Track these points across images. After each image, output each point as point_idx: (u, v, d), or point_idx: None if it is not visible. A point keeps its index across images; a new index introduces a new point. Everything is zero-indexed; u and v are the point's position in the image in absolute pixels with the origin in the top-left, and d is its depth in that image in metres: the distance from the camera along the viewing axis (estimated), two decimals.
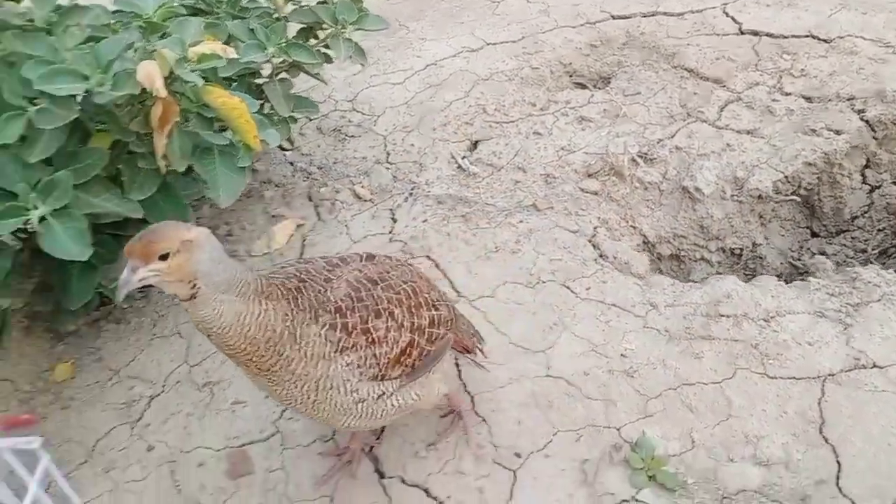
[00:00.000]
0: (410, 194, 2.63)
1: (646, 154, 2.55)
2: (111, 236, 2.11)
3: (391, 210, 2.58)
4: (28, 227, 1.83)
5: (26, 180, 1.69)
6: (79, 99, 1.67)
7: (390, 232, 2.48)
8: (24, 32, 1.62)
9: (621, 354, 1.87)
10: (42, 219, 1.69)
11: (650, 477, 1.59)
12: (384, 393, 1.49)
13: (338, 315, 1.39)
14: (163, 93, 1.52)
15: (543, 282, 2.12)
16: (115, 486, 1.88)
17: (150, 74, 1.49)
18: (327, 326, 1.38)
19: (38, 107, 1.63)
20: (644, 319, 1.96)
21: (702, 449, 1.64)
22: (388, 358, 1.46)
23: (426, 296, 1.56)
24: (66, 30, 1.60)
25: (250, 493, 1.77)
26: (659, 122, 2.70)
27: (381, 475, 1.73)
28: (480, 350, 1.80)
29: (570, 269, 2.15)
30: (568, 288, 2.09)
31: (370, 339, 1.42)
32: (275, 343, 1.32)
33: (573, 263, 2.17)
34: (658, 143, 2.60)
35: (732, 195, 2.44)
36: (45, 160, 1.76)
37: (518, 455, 1.71)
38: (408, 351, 1.49)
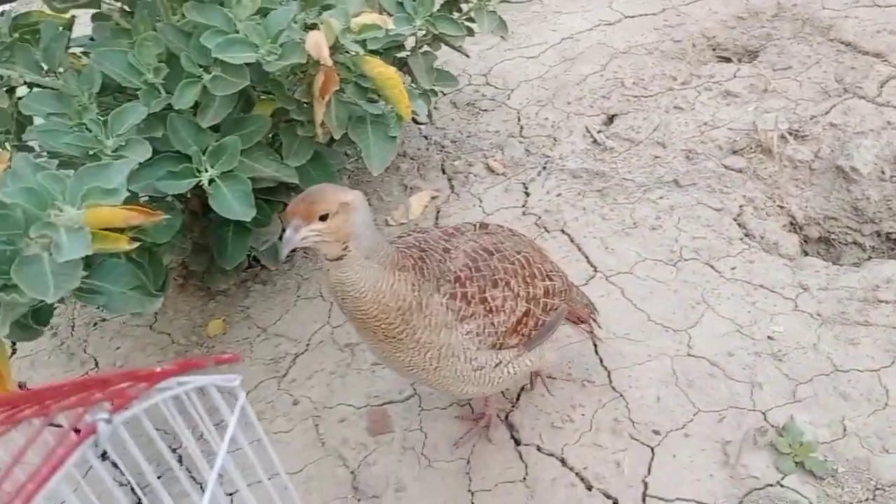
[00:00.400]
0: (544, 168, 2.63)
1: (797, 131, 2.43)
2: (264, 201, 2.23)
3: (524, 184, 2.59)
4: (190, 192, 1.99)
5: (198, 144, 1.82)
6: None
7: (524, 205, 2.49)
8: (202, 4, 1.73)
9: (769, 337, 1.81)
10: (211, 181, 1.82)
11: (797, 463, 1.54)
12: (501, 361, 1.52)
13: (457, 285, 1.43)
14: (329, 62, 1.60)
15: (685, 259, 2.08)
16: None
17: (317, 44, 1.57)
18: (448, 296, 1.41)
19: (213, 75, 1.74)
20: (794, 302, 1.88)
21: (854, 438, 1.57)
22: (506, 327, 1.49)
23: (539, 266, 1.57)
24: (239, 2, 1.70)
25: (389, 451, 1.84)
26: (812, 98, 2.56)
27: (517, 442, 1.77)
28: (594, 320, 1.81)
29: (714, 248, 2.09)
30: (712, 267, 2.04)
31: (488, 309, 1.45)
32: (404, 311, 1.36)
33: (717, 242, 2.11)
34: (811, 119, 2.46)
35: (892, 176, 2.29)
36: (214, 126, 1.89)
37: (657, 432, 1.69)
38: (524, 321, 1.52)
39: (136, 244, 1.66)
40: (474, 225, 1.60)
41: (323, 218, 1.25)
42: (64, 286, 1.23)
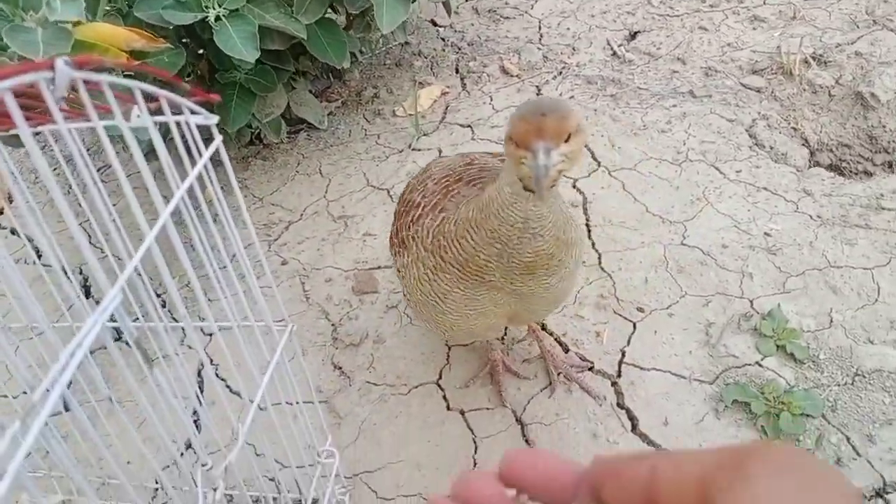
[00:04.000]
0: (560, 73, 2.58)
1: (820, 56, 2.37)
2: (271, 68, 2.20)
3: (537, 86, 2.55)
4: (199, 47, 1.95)
5: None
6: None
7: None
8: None
9: (765, 233, 1.78)
10: (217, 18, 1.79)
11: (779, 346, 1.52)
12: None
13: None
14: None
15: (691, 160, 2.04)
16: (247, 289, 2.01)
17: None
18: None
19: None
20: (796, 205, 1.85)
21: (839, 329, 1.55)
22: None
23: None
24: None
25: (372, 308, 1.84)
26: (840, 28, 2.50)
27: None
28: None
29: (722, 152, 2.05)
30: (716, 168, 2.00)
31: None
32: (562, 234, 1.12)
33: (726, 147, 2.07)
34: (836, 47, 2.40)
35: None
36: None
37: (640, 310, 1.68)
38: None
39: (137, 62, 1.64)
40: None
41: (568, 139, 0.96)
42: (51, 51, 1.21)
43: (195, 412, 1.62)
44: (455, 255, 1.16)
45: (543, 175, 0.93)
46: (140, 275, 0.80)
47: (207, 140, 0.91)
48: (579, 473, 0.35)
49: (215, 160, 0.93)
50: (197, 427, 1.61)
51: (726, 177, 1.97)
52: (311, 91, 2.66)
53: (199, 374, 1.75)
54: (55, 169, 2.49)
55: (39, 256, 2.09)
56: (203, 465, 0.86)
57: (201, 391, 1.72)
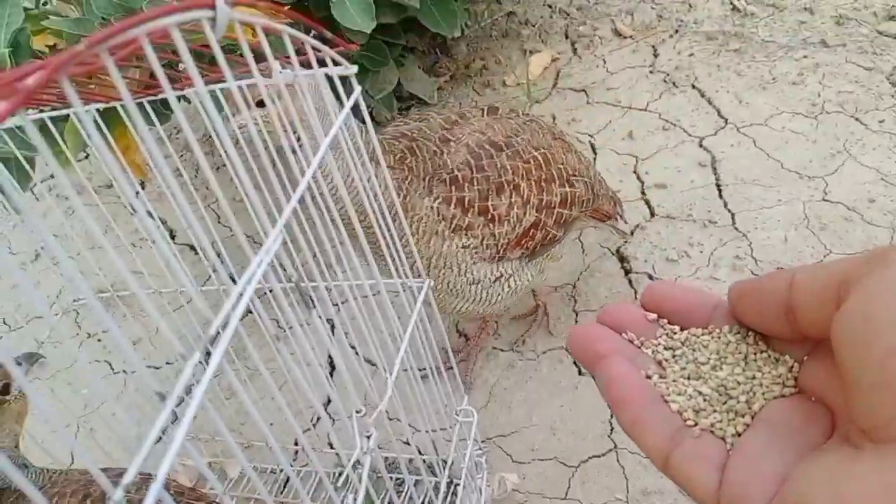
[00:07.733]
0: (676, 31, 2.48)
1: None
2: (382, 42, 2.22)
3: (653, 46, 2.46)
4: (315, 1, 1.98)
5: None
6: None
7: (651, 65, 2.36)
8: None
9: None
10: None
11: None
12: (501, 276, 1.30)
13: (453, 188, 1.18)
14: None
15: (828, 112, 1.91)
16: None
17: None
18: (440, 200, 1.17)
19: None
20: None
21: None
22: (509, 239, 1.25)
23: (560, 167, 1.29)
24: None
25: None
26: None
27: (627, 271, 1.71)
28: (620, 216, 1.53)
29: (862, 102, 1.91)
30: (857, 119, 1.87)
31: (489, 218, 1.21)
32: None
33: (866, 97, 1.93)
34: None
35: None
36: None
37: (781, 269, 1.59)
38: (531, 233, 1.28)
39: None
40: (482, 109, 1.33)
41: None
42: None
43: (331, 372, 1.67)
44: None
45: None
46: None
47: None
48: (717, 299, 0.38)
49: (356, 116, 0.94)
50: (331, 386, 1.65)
51: (868, 128, 1.84)
52: (419, 66, 2.66)
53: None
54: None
55: (173, 238, 2.19)
56: (357, 412, 0.88)
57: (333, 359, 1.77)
